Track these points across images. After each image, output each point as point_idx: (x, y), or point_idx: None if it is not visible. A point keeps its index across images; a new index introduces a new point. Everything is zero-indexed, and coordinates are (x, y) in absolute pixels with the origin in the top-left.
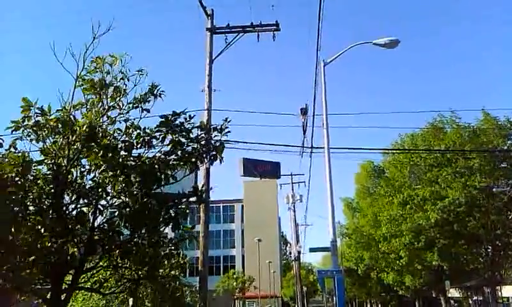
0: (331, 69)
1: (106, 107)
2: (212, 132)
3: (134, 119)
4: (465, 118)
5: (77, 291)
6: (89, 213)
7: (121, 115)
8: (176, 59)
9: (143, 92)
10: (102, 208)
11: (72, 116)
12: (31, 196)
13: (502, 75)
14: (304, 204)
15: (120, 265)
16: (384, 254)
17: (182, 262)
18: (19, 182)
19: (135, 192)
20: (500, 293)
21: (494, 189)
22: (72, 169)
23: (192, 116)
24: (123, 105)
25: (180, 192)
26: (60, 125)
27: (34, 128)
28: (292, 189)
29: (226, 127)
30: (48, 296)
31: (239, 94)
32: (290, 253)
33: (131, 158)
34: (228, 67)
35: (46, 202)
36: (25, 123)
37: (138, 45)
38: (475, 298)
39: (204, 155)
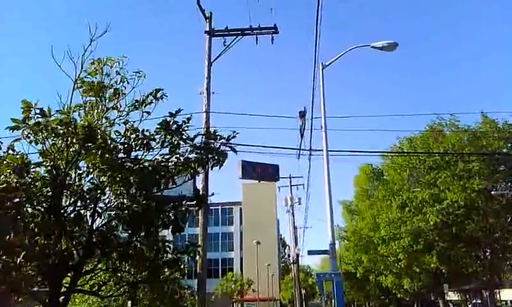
0: (330, 72)
1: (105, 109)
2: (218, 139)
3: (134, 121)
4: (464, 120)
5: (75, 294)
6: (88, 216)
7: (121, 117)
8: (174, 62)
9: (143, 94)
10: (100, 211)
11: (73, 118)
12: (29, 198)
13: (501, 79)
14: (303, 206)
15: (118, 267)
16: (382, 257)
17: (181, 266)
18: (17, 184)
19: (134, 194)
20: (498, 296)
21: (493, 192)
22: (71, 171)
23: (190, 118)
24: (120, 106)
25: (179, 195)
26: (60, 127)
27: (34, 129)
28: (291, 192)
29: (234, 137)
30: (46, 298)
31: (238, 96)
32: (289, 256)
33: (129, 160)
34: (226, 70)
35: (44, 204)
36: (25, 124)
37: (137, 47)
38: (473, 301)
39: (206, 161)
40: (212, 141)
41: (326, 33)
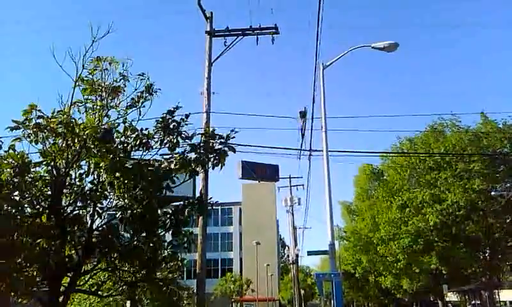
0: (331, 72)
1: (105, 108)
2: (217, 139)
3: (132, 120)
4: (464, 121)
5: (74, 294)
6: (88, 216)
7: (120, 117)
8: (175, 62)
9: (139, 91)
10: (100, 211)
11: (73, 118)
12: (29, 198)
13: (500, 79)
14: (302, 207)
15: (117, 267)
16: (382, 258)
17: (180, 265)
18: (17, 183)
19: (137, 196)
20: (497, 297)
21: (492, 192)
22: (71, 171)
23: (188, 114)
24: (119, 103)
25: (181, 196)
26: (60, 127)
27: (35, 130)
28: (291, 192)
29: (233, 137)
30: (46, 298)
31: (238, 96)
32: (288, 256)
33: (130, 159)
34: (227, 70)
35: (44, 204)
36: (25, 124)
37: (137, 47)
38: (473, 302)
39: (206, 161)
40: (212, 140)
41: (327, 33)
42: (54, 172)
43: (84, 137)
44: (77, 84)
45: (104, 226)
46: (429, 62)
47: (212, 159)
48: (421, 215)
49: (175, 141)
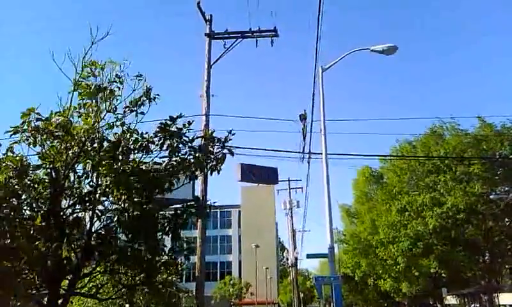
0: (330, 74)
1: (102, 111)
2: (215, 142)
3: (130, 123)
4: (463, 125)
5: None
6: (87, 218)
7: (118, 120)
8: (174, 64)
9: (137, 96)
10: (99, 213)
11: (70, 121)
12: (27, 200)
13: (499, 85)
14: (301, 210)
15: (116, 270)
16: (381, 261)
17: (179, 268)
18: (15, 186)
19: (136, 199)
20: (497, 300)
21: (492, 196)
22: (70, 174)
23: (191, 122)
24: (117, 107)
25: (180, 199)
26: (59, 130)
27: (33, 133)
28: (290, 195)
29: (230, 139)
30: (45, 301)
31: (238, 99)
32: (288, 259)
33: (129, 162)
34: (226, 72)
35: (43, 206)
36: (24, 128)
37: (136, 49)
38: (472, 305)
39: (204, 165)
40: (211, 144)
41: (326, 36)
42: (53, 174)
43: (83, 139)
44: (75, 87)
45: (103, 229)
46: (429, 65)
47: (209, 164)
48: (420, 218)
49: (175, 145)
